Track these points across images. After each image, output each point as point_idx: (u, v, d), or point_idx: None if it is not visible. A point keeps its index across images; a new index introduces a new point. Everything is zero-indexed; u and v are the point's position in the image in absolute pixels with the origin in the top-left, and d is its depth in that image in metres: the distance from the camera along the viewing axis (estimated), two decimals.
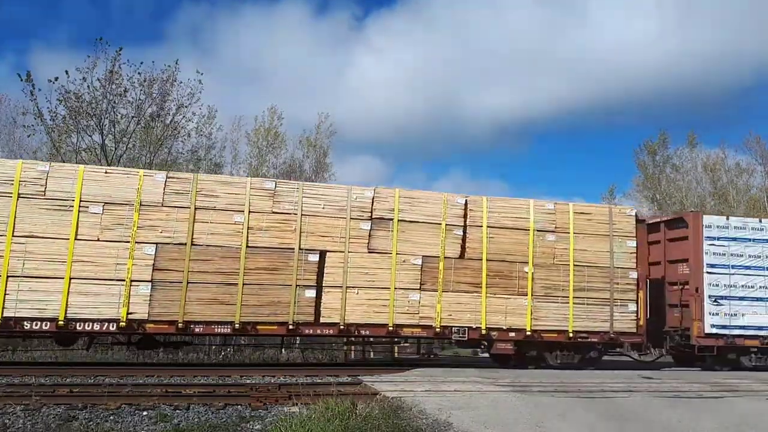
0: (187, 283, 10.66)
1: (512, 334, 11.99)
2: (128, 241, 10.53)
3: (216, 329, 11.08)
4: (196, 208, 10.97)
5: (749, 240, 13.60)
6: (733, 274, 13.39)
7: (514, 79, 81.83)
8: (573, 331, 12.21)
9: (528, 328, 11.99)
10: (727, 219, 13.91)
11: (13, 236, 10.07)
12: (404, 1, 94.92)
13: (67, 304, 10.12)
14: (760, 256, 13.59)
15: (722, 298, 13.23)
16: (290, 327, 11.13)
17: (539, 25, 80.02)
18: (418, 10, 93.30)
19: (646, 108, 67.76)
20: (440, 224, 11.96)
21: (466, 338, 11.67)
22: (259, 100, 63.41)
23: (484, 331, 11.80)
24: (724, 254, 13.42)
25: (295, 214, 11.39)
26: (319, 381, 9.80)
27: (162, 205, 10.87)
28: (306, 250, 11.28)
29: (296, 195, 11.56)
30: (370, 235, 11.61)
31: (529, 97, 79.81)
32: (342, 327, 11.34)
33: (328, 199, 11.68)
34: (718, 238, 13.41)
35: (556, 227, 12.48)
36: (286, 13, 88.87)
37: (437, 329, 11.63)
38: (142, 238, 10.63)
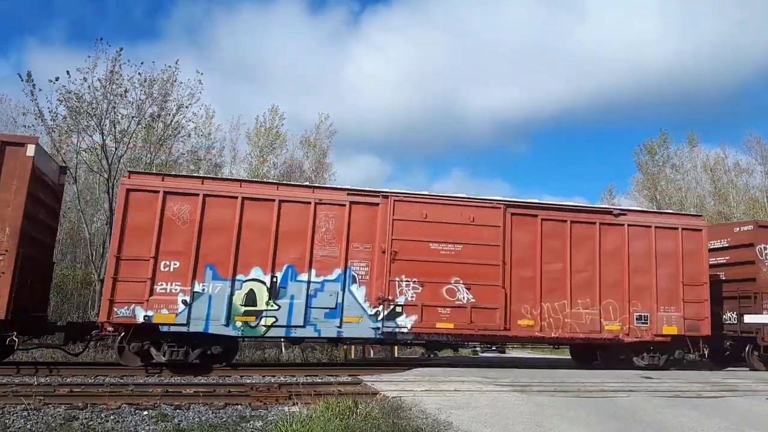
0: None
1: None
2: None
3: None
4: None
5: None
6: None
7: (514, 78, 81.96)
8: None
9: None
10: None
11: None
12: None
13: None
14: None
15: None
16: None
17: (538, 23, 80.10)
18: (415, 5, 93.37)
19: (646, 107, 67.83)
20: None
21: None
22: (256, 97, 63.69)
23: None
24: None
25: None
26: (319, 381, 9.83)
27: None
28: None
29: None
30: None
31: (529, 96, 79.97)
32: None
33: None
34: None
35: None
36: (283, 10, 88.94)
37: None
38: None
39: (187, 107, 20.41)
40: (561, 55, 75.85)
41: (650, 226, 13.02)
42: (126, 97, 19.17)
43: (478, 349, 22.52)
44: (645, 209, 13.37)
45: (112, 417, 6.72)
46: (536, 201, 12.94)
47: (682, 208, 29.70)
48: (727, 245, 15.08)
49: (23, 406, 6.87)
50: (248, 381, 9.79)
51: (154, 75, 19.69)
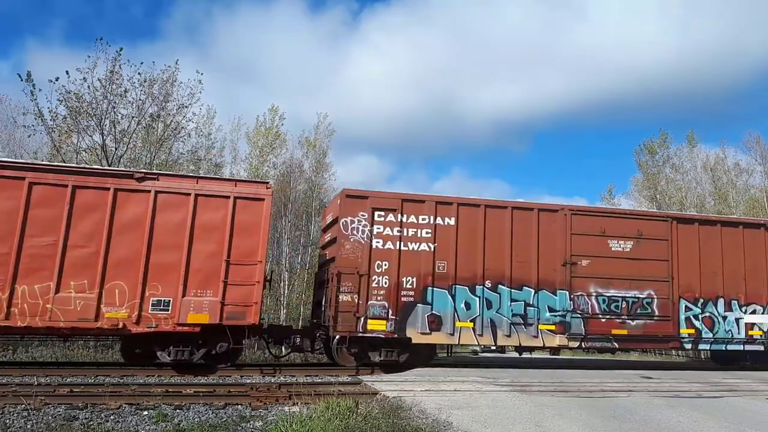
0: None
1: None
2: None
3: None
4: None
5: None
6: None
7: (514, 77, 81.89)
8: None
9: None
10: None
11: None
12: None
13: None
14: None
15: None
16: None
17: (538, 23, 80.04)
18: (414, 4, 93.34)
19: (646, 107, 67.82)
20: None
21: None
22: (255, 97, 63.70)
23: None
24: None
25: None
26: (319, 381, 9.83)
27: None
28: None
29: None
30: None
31: (529, 95, 79.91)
32: None
33: None
34: None
35: None
36: (282, 10, 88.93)
37: None
38: None
39: (187, 107, 20.45)
40: (561, 54, 75.88)
41: (189, 194, 10.82)
42: (126, 97, 19.22)
43: (477, 348, 22.54)
44: (185, 174, 11.27)
45: (112, 417, 6.72)
46: (26, 162, 10.94)
47: (682, 208, 29.67)
48: (331, 219, 12.92)
49: (23, 406, 6.88)
50: (248, 381, 9.79)
51: (154, 75, 19.74)
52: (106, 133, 19.25)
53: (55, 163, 11.03)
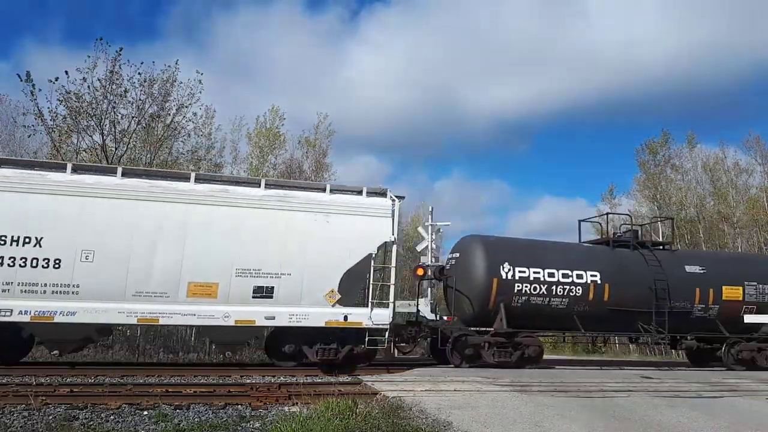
0: None
1: None
2: None
3: None
4: None
5: None
6: None
7: (514, 76, 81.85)
8: None
9: None
10: None
11: None
12: None
13: None
14: None
15: None
16: None
17: (539, 22, 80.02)
18: (414, 3, 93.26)
19: (646, 107, 67.83)
20: None
21: None
22: (254, 97, 63.60)
23: None
24: None
25: None
26: (319, 381, 9.83)
27: None
28: None
29: None
30: None
31: (530, 95, 79.89)
32: None
33: None
34: None
35: None
36: (281, 9, 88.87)
37: None
38: None
39: (187, 107, 20.46)
40: (561, 53, 75.79)
41: None
42: (126, 97, 19.24)
43: None
44: None
45: (112, 417, 6.72)
46: None
47: (682, 208, 29.71)
48: None
49: (23, 406, 6.88)
50: (248, 381, 9.78)
51: (154, 75, 19.76)
52: (106, 133, 19.28)
53: None
